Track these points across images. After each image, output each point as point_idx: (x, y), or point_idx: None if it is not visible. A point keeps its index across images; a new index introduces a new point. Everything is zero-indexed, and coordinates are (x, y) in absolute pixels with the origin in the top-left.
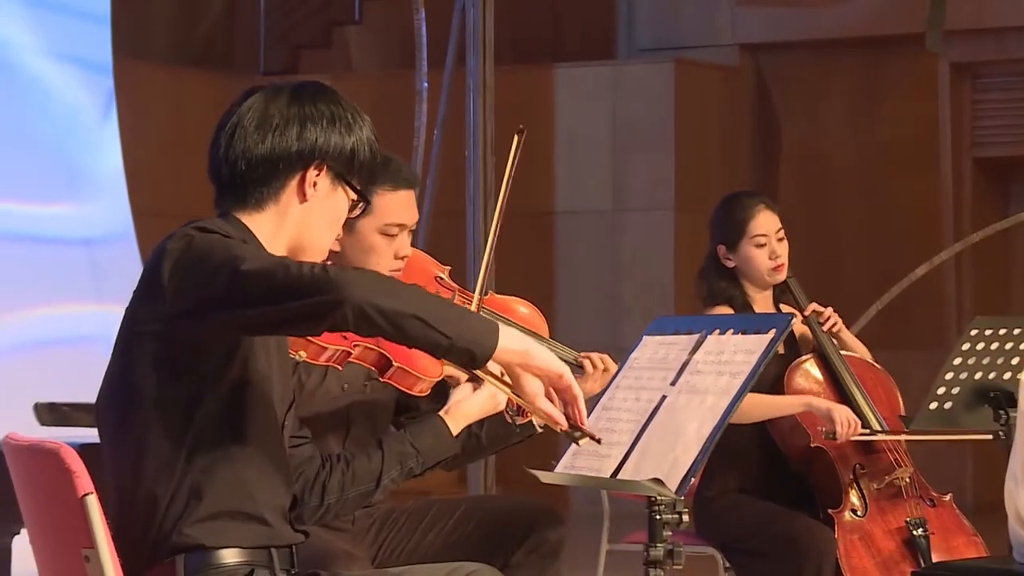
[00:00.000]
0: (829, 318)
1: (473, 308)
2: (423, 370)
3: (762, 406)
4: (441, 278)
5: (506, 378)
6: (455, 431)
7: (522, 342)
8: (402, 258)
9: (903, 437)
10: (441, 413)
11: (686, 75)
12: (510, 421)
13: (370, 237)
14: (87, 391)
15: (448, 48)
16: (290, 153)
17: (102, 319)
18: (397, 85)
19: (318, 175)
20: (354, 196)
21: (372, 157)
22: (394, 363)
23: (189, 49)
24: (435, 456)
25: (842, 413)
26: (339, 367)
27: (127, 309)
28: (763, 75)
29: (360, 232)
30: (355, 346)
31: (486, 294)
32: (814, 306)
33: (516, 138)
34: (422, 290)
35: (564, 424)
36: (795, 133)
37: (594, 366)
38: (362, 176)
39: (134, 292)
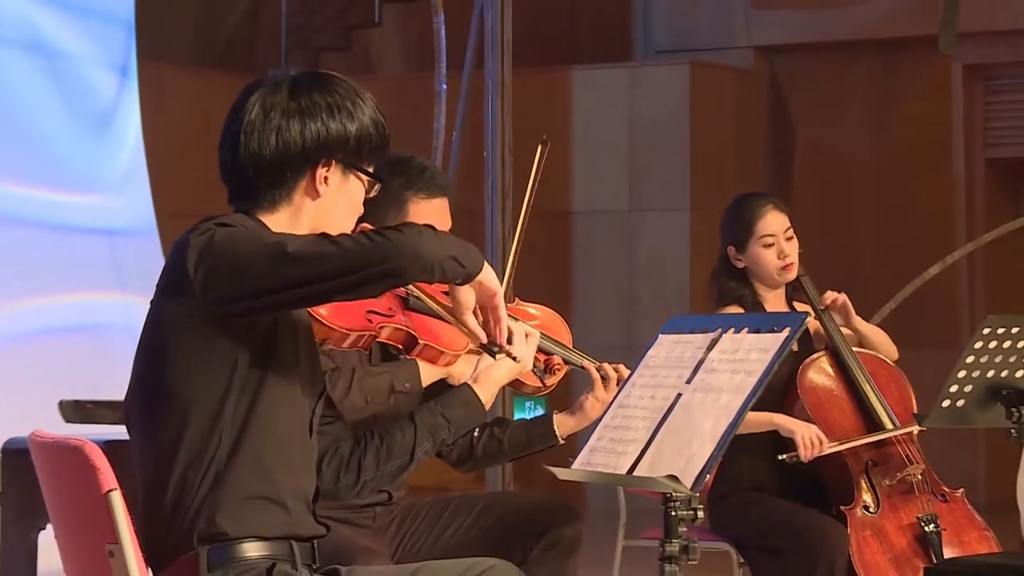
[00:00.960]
0: (836, 300)
1: None
2: (448, 344)
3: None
4: None
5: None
6: (485, 399)
7: (484, 268)
8: None
9: (862, 440)
10: (469, 381)
11: (702, 77)
12: (539, 381)
13: None
14: (109, 379)
15: (467, 50)
16: (295, 155)
17: (124, 309)
18: (416, 87)
19: (327, 171)
20: (367, 179)
21: (380, 138)
22: (420, 340)
23: (211, 51)
24: (466, 425)
25: (805, 433)
26: (366, 350)
27: (151, 305)
28: (778, 77)
29: None
30: (381, 328)
31: (512, 301)
32: (827, 296)
33: (540, 148)
34: (446, 233)
35: (483, 338)
36: (810, 134)
37: (614, 377)
38: (373, 156)
39: (157, 288)
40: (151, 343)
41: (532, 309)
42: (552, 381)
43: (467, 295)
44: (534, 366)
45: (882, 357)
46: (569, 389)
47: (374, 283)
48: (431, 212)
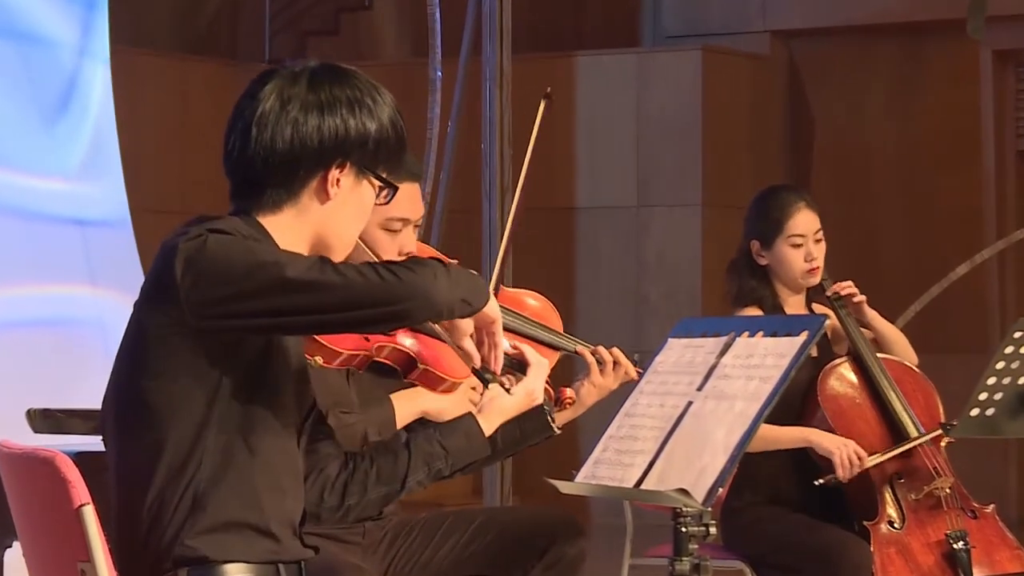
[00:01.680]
0: (848, 290)
1: None
2: (449, 370)
3: (761, 439)
4: None
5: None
6: (488, 431)
7: (489, 300)
8: (406, 255)
9: (894, 452)
10: (474, 411)
11: (715, 64)
12: (548, 418)
13: (372, 232)
14: (76, 378)
15: (463, 35)
16: (310, 153)
17: (94, 303)
18: (409, 74)
19: (341, 173)
20: (380, 184)
21: (397, 137)
22: (419, 364)
23: (190, 36)
24: (466, 458)
25: (843, 453)
26: (359, 370)
27: (135, 309)
28: (796, 63)
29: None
30: (380, 348)
31: (497, 289)
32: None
33: (543, 103)
34: (456, 268)
35: (478, 362)
36: (829, 124)
37: (610, 360)
38: (388, 161)
39: (142, 291)
40: (131, 350)
41: (525, 298)
42: (562, 418)
43: (463, 321)
44: (544, 402)
45: (907, 364)
46: (568, 378)
47: (378, 323)
48: (399, 198)
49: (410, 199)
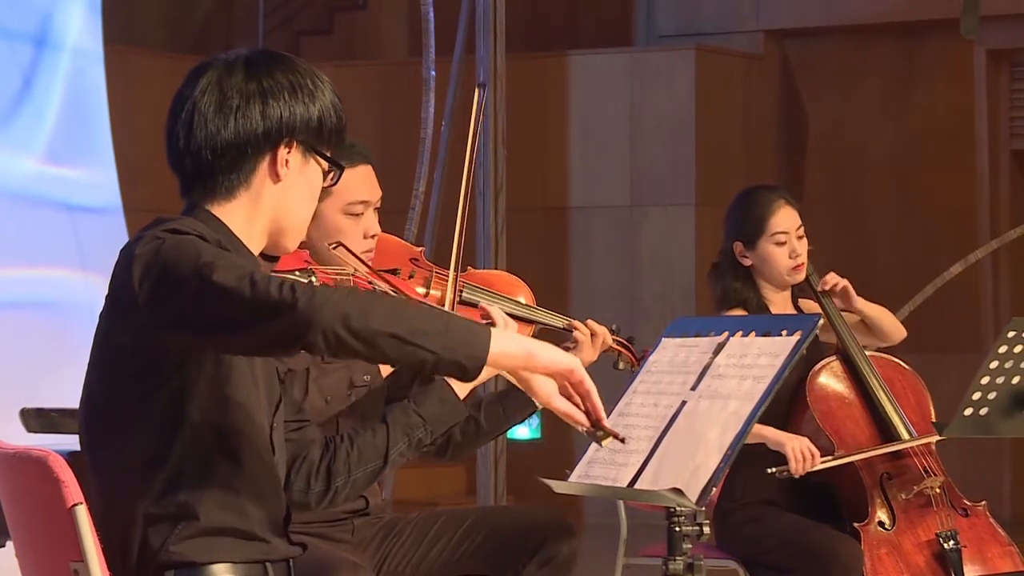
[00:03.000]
0: (836, 284)
1: (450, 285)
2: None
3: None
4: (416, 259)
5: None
6: (462, 394)
7: (520, 344)
8: (372, 236)
9: (871, 452)
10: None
11: (708, 63)
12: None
13: (335, 219)
14: (66, 360)
15: (457, 34)
16: (257, 134)
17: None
18: (403, 74)
19: (289, 152)
20: (327, 165)
21: (339, 121)
22: None
23: (184, 35)
24: (443, 422)
25: (795, 446)
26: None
27: (100, 317)
28: (789, 63)
29: (324, 216)
30: None
31: (464, 270)
32: (827, 278)
33: (477, 92)
34: (403, 302)
35: (586, 423)
36: (823, 124)
37: (589, 332)
38: (331, 142)
39: (106, 299)
40: (99, 359)
41: (495, 278)
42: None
43: (543, 384)
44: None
45: (897, 361)
46: None
47: (281, 340)
48: (355, 181)
49: (367, 181)
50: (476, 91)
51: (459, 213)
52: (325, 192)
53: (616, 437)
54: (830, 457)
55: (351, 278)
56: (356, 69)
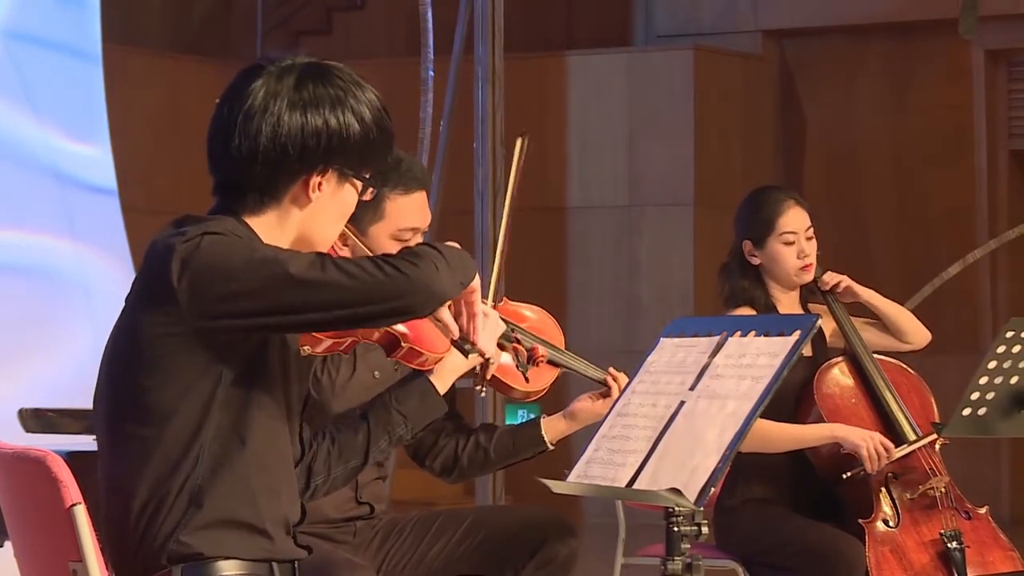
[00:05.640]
0: (839, 283)
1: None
2: (430, 347)
3: (789, 438)
4: None
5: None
6: (442, 390)
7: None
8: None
9: (909, 449)
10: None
11: (706, 63)
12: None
13: (384, 243)
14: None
15: (455, 34)
16: (292, 157)
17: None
18: (401, 74)
19: (323, 178)
20: (362, 184)
21: (382, 133)
22: (403, 343)
23: (182, 34)
24: (423, 419)
25: (870, 445)
26: (344, 353)
27: (126, 308)
28: (787, 63)
29: (373, 238)
30: (367, 331)
31: (500, 300)
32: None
33: (520, 142)
34: (450, 251)
35: (456, 333)
36: (821, 124)
37: (617, 383)
38: (376, 157)
39: (134, 292)
40: (125, 348)
41: (526, 311)
42: (539, 380)
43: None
44: (516, 360)
45: (903, 365)
46: (564, 393)
47: (382, 319)
48: (409, 208)
49: (420, 208)
50: (518, 140)
51: (499, 251)
52: (378, 215)
53: (482, 355)
54: (903, 447)
55: None
56: (354, 69)
